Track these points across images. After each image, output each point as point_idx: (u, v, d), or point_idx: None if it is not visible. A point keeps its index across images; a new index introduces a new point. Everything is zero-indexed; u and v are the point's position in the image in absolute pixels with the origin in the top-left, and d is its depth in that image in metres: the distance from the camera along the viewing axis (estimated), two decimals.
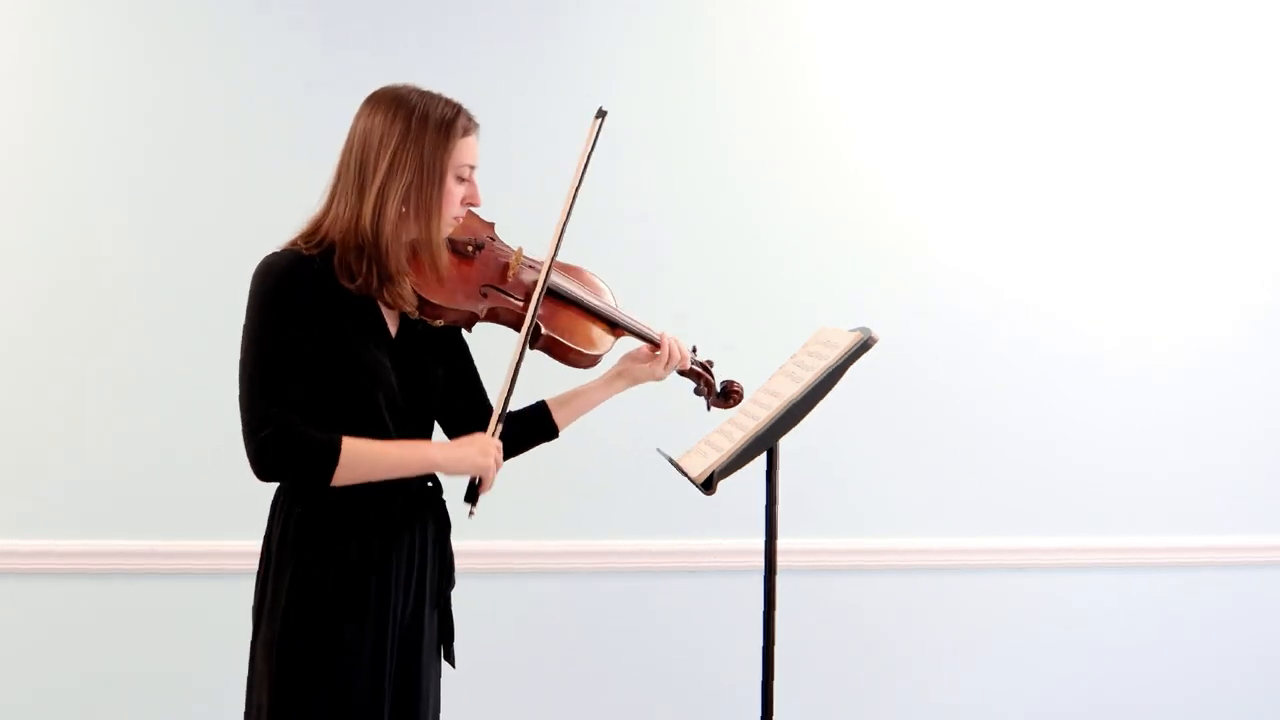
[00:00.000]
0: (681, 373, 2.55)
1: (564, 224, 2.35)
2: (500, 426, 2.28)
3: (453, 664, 2.38)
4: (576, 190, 2.37)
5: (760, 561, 2.47)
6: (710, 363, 2.62)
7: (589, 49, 3.47)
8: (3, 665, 3.29)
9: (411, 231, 2.20)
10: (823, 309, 3.32)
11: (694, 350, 2.58)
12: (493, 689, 3.42)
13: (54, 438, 3.30)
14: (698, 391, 2.62)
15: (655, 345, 2.51)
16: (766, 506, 2.46)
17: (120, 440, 3.31)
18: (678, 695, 3.53)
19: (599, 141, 2.39)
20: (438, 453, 2.23)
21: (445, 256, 2.24)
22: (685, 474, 2.41)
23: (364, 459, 2.13)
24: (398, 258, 2.18)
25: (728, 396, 2.61)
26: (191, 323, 3.30)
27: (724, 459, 2.33)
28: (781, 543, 2.49)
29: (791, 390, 2.38)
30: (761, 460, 2.43)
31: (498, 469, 2.27)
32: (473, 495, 2.25)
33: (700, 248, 3.51)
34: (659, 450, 2.57)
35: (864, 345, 2.39)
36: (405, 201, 2.17)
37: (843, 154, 3.57)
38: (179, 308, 3.31)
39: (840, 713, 3.59)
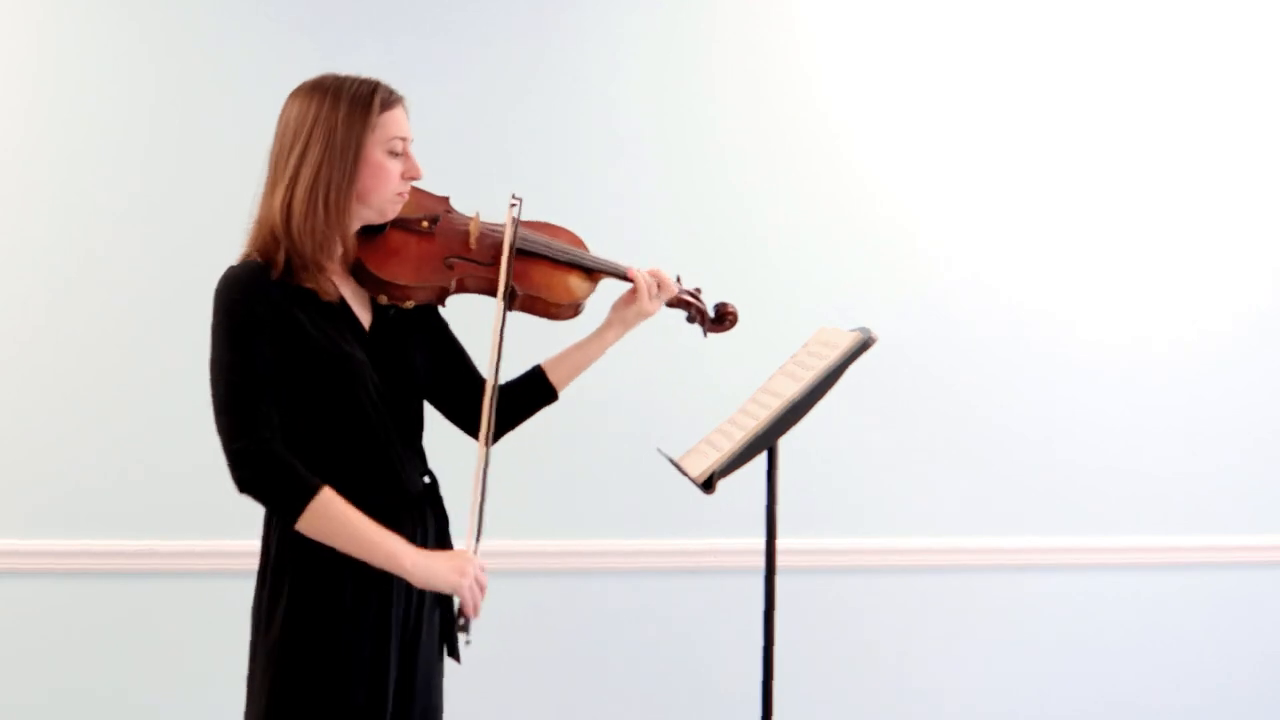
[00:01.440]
0: (670, 304, 2.51)
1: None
2: (480, 534, 2.17)
3: (458, 659, 2.37)
4: None
5: (760, 561, 2.47)
6: (698, 290, 2.58)
7: (589, 49, 3.47)
8: (3, 665, 3.29)
9: (323, 214, 2.13)
10: (823, 309, 3.32)
11: (678, 279, 2.54)
12: (493, 689, 3.42)
13: (54, 438, 3.30)
14: (690, 319, 2.57)
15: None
16: (766, 506, 2.46)
17: (120, 440, 3.32)
18: (678, 695, 3.53)
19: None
20: (407, 558, 2.12)
21: (353, 242, 2.19)
22: (685, 474, 2.41)
23: (334, 522, 2.07)
24: (313, 246, 2.12)
25: (722, 319, 2.57)
26: (191, 323, 3.27)
27: (724, 459, 2.33)
28: (781, 543, 2.49)
29: (791, 390, 2.38)
30: (761, 460, 2.43)
31: (483, 592, 2.17)
32: (463, 623, 2.17)
33: (700, 247, 3.50)
34: (659, 450, 2.57)
35: (864, 345, 2.39)
36: (315, 184, 2.12)
37: (843, 154, 3.57)
38: (179, 308, 3.31)
39: (840, 713, 3.59)
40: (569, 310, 2.40)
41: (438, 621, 2.32)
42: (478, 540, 2.18)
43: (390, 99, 2.18)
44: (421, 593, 2.25)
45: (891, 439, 3.59)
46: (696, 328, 2.59)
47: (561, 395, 2.47)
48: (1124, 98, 3.68)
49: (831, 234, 3.56)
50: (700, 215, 3.51)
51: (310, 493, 2.06)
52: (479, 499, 2.18)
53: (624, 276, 2.46)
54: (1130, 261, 3.69)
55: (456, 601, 2.24)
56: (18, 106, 3.29)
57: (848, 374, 2.40)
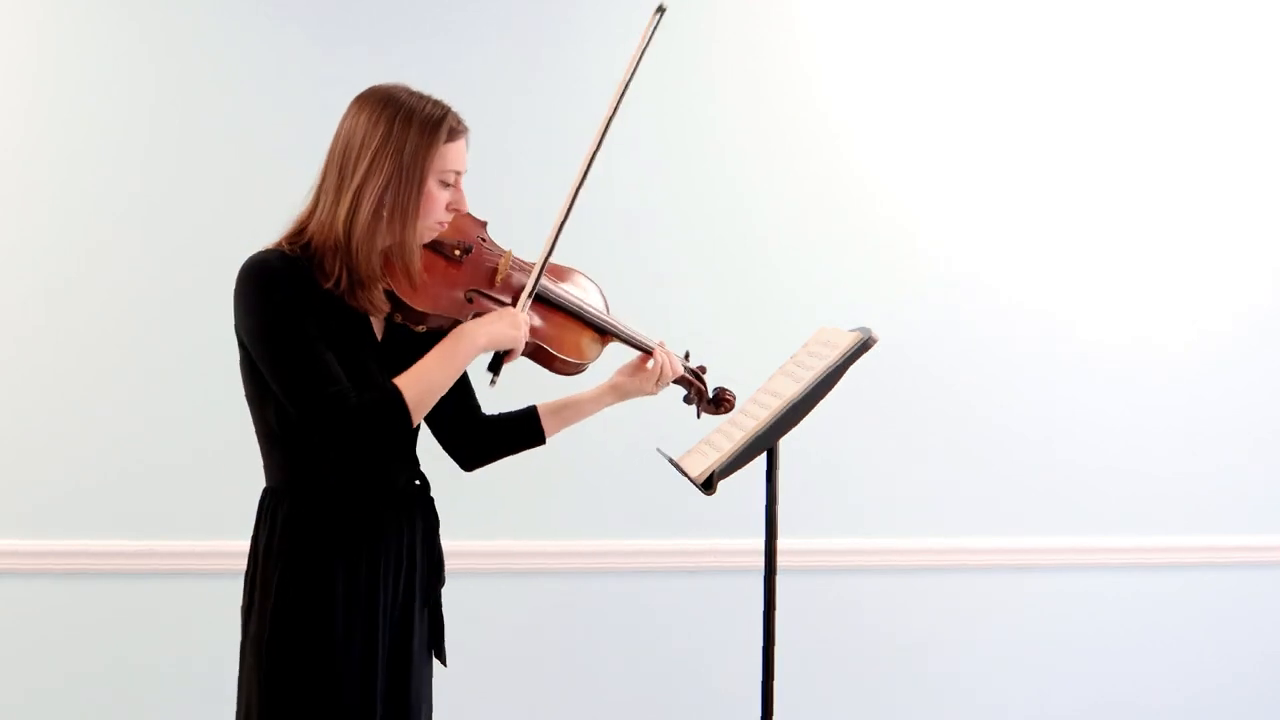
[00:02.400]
0: (673, 380, 2.53)
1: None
2: (530, 300, 2.26)
3: (444, 662, 2.37)
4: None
5: (760, 561, 2.47)
6: (703, 369, 2.60)
7: (589, 49, 3.47)
8: (3, 665, 3.29)
9: (385, 234, 2.14)
10: (822, 309, 3.31)
11: (686, 356, 2.57)
12: (493, 689, 3.42)
13: (54, 438, 3.30)
14: (688, 399, 2.60)
15: (647, 354, 2.48)
16: (766, 506, 2.45)
17: (120, 441, 3.31)
18: (678, 695, 3.53)
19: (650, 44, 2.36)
20: (473, 336, 2.18)
21: (418, 263, 2.19)
22: (685, 474, 2.41)
23: (423, 385, 2.12)
24: (369, 262, 2.13)
25: (719, 404, 2.59)
26: (191, 323, 3.30)
27: (724, 459, 2.33)
28: (781, 543, 2.48)
29: (791, 390, 2.38)
30: (761, 460, 2.43)
31: (525, 339, 2.25)
32: (496, 364, 2.23)
33: (700, 247, 3.51)
34: (659, 450, 2.57)
35: (864, 345, 2.39)
36: (380, 203, 2.12)
37: (843, 154, 3.57)
38: (179, 308, 3.31)
39: (840, 713, 3.59)
40: (573, 369, 2.39)
41: (426, 621, 2.32)
42: (529, 298, 2.27)
43: (457, 129, 2.19)
44: (411, 589, 2.25)
45: (892, 439, 3.59)
46: (691, 408, 2.61)
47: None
48: (1124, 98, 3.68)
49: (831, 234, 3.56)
50: (700, 215, 3.51)
51: (399, 400, 2.09)
52: (540, 266, 2.27)
53: (646, 351, 2.47)
54: (1130, 261, 3.69)
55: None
56: (18, 106, 3.28)
57: (848, 374, 2.40)
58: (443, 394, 2.17)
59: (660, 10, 2.34)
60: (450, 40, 3.41)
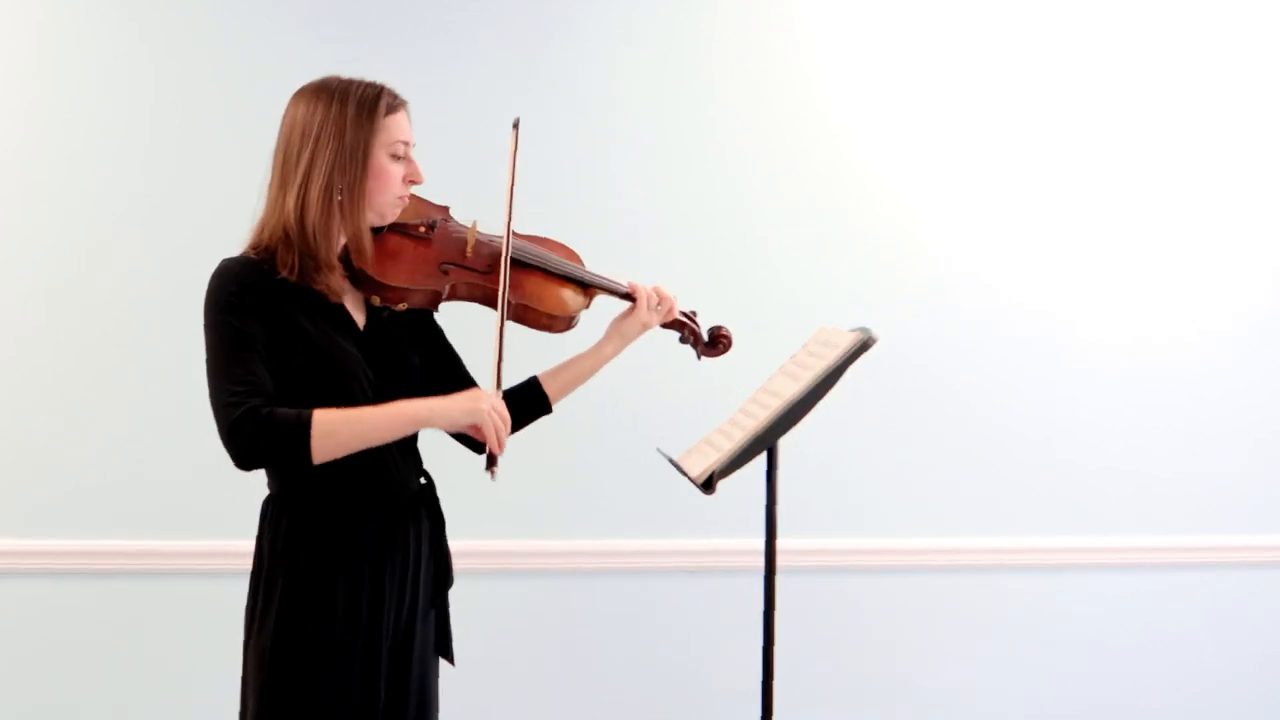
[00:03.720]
0: (665, 324, 2.52)
1: (511, 193, 2.30)
2: (500, 380, 2.22)
3: (451, 661, 2.37)
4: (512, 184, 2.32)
5: (760, 561, 2.47)
6: (695, 313, 2.59)
7: (589, 49, 3.47)
8: (3, 665, 3.29)
9: (338, 216, 2.16)
10: (823, 309, 3.31)
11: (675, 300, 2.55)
12: (493, 689, 3.42)
13: (54, 438, 3.30)
14: (683, 340, 2.59)
15: (631, 299, 2.48)
16: (766, 506, 2.45)
17: (120, 440, 3.31)
18: (678, 695, 3.53)
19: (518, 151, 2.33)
20: (423, 408, 2.15)
21: (369, 241, 2.20)
22: (685, 474, 2.41)
23: (340, 427, 2.08)
24: (328, 244, 2.15)
25: (716, 343, 2.59)
26: (191, 324, 3.27)
27: (724, 459, 2.33)
28: (781, 543, 2.48)
29: (791, 390, 2.38)
30: (761, 460, 2.43)
31: (506, 425, 2.17)
32: (489, 457, 2.16)
33: (700, 247, 3.50)
34: (659, 450, 2.57)
35: (864, 345, 2.39)
36: (330, 185, 2.14)
37: (843, 154, 3.57)
38: (179, 308, 3.29)
39: (840, 713, 3.59)
40: (561, 323, 2.41)
41: (433, 623, 2.32)
42: (498, 385, 2.21)
43: (395, 103, 2.21)
44: (415, 595, 2.25)
45: (892, 439, 3.59)
46: (690, 350, 2.61)
47: (558, 403, 2.49)
48: (1124, 98, 3.68)
49: (831, 234, 3.55)
50: (700, 215, 3.51)
51: (306, 426, 2.05)
52: (498, 352, 2.21)
53: (625, 294, 2.47)
54: (1130, 261, 3.69)
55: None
56: (18, 106, 3.28)
57: (848, 374, 2.40)
58: (361, 449, 2.11)
59: (515, 125, 2.34)
60: (450, 40, 3.41)
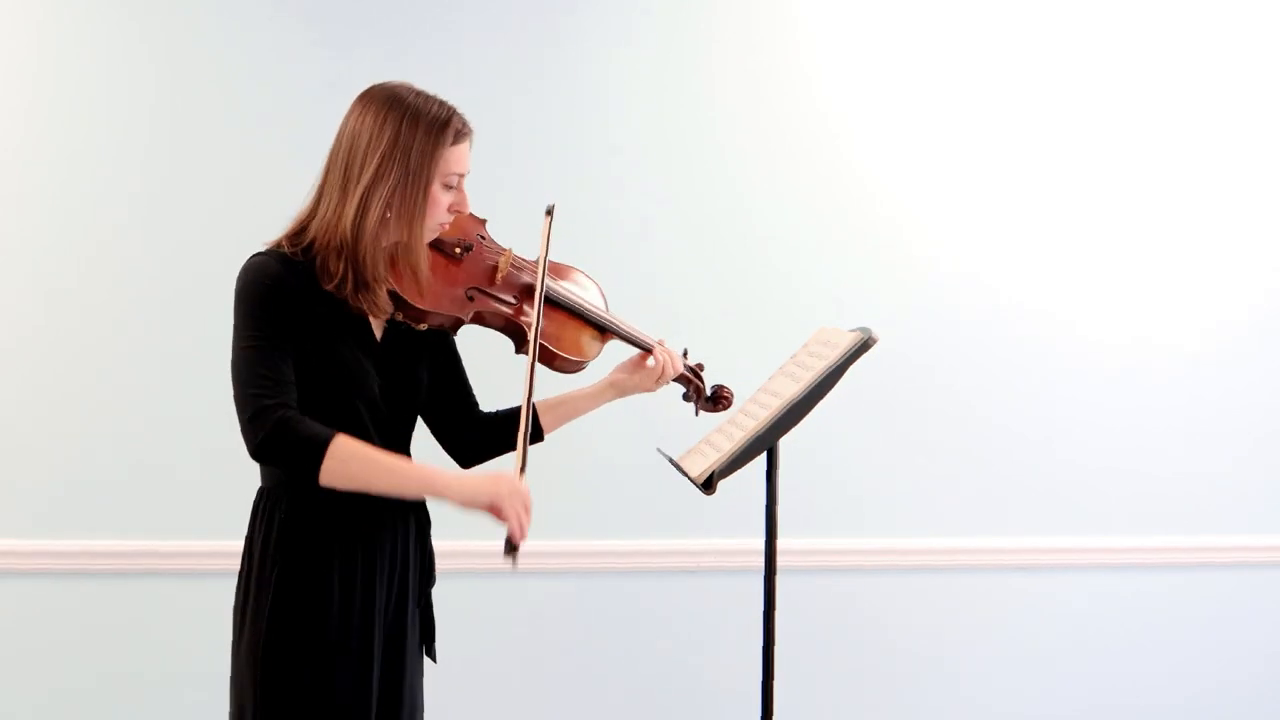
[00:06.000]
0: (673, 379, 2.53)
1: (542, 277, 2.27)
2: (524, 464, 2.15)
3: (434, 659, 2.37)
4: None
5: (760, 561, 2.47)
6: (700, 366, 2.61)
7: (589, 49, 3.47)
8: (3, 665, 3.29)
9: (393, 236, 2.15)
10: (822, 309, 3.32)
11: (684, 354, 2.57)
12: (493, 689, 3.42)
13: (54, 438, 3.30)
14: (686, 397, 2.61)
15: (646, 352, 2.48)
16: (766, 506, 2.46)
17: (121, 440, 3.31)
18: (678, 695, 3.53)
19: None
20: (441, 479, 2.12)
21: (425, 264, 2.19)
22: (685, 474, 2.41)
23: (354, 462, 2.06)
24: (375, 263, 2.13)
25: (716, 401, 2.61)
26: (191, 323, 3.30)
27: (724, 459, 2.33)
28: (781, 543, 2.48)
29: (791, 390, 2.38)
30: (761, 460, 2.43)
31: (528, 515, 2.12)
32: (508, 544, 2.11)
33: (699, 247, 3.50)
34: (659, 450, 2.57)
35: (864, 345, 2.39)
36: (389, 206, 2.12)
37: (843, 154, 3.57)
38: (179, 308, 3.31)
39: (840, 713, 3.59)
40: (573, 366, 2.40)
41: (418, 620, 2.32)
42: (523, 470, 2.15)
43: (463, 132, 2.18)
44: (405, 587, 2.25)
45: (892, 439, 3.59)
46: (690, 405, 2.62)
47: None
48: (1124, 98, 3.68)
49: (831, 234, 3.56)
50: (700, 215, 3.51)
51: (323, 445, 2.04)
52: (525, 428, 2.16)
53: (645, 349, 2.47)
54: (1130, 261, 3.69)
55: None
56: (18, 106, 3.28)
57: (848, 374, 2.40)
58: (366, 491, 2.10)
59: (549, 212, 2.34)
60: (450, 40, 3.41)
